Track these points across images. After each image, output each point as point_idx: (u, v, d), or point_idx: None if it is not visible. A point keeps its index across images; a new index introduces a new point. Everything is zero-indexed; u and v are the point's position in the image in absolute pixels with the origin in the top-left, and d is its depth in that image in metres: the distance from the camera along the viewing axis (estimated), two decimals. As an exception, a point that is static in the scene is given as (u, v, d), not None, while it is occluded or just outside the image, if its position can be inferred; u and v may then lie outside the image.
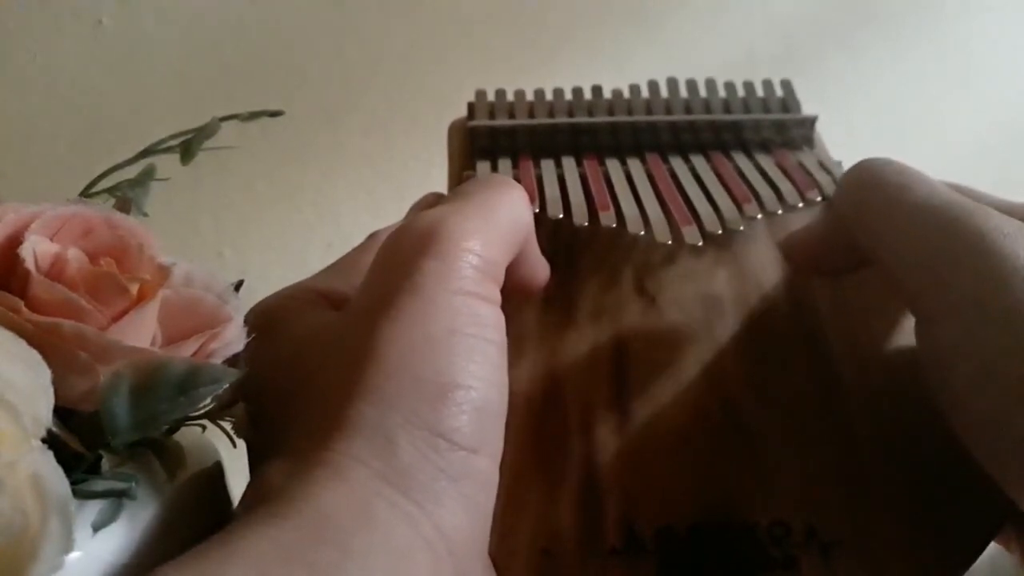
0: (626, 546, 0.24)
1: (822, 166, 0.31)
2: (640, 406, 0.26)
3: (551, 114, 0.33)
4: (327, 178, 0.63)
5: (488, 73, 0.62)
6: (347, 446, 0.19)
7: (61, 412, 0.19)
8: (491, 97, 0.34)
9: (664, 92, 0.34)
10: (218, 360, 0.22)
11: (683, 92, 0.34)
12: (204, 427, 0.24)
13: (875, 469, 0.25)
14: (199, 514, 0.23)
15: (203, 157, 0.27)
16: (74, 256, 0.22)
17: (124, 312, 0.21)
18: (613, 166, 0.31)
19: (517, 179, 0.29)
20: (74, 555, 0.18)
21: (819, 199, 0.30)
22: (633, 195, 0.29)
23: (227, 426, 0.25)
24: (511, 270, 0.24)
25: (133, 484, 0.21)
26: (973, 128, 0.71)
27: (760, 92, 0.34)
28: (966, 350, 0.21)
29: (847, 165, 0.31)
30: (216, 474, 0.25)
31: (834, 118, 0.36)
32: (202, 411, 0.23)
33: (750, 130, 0.32)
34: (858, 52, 0.68)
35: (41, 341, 0.19)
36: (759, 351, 0.27)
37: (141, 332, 0.22)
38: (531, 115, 0.33)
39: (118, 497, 0.20)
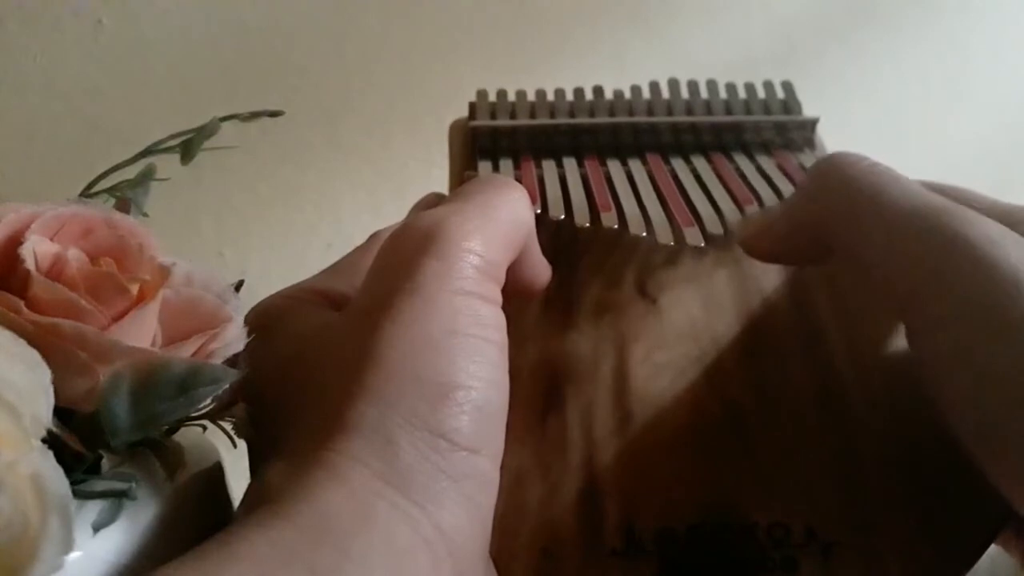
0: (626, 547, 0.24)
1: (823, 167, 0.31)
2: (641, 407, 0.26)
3: (552, 114, 0.33)
4: (327, 178, 0.63)
5: (488, 73, 0.62)
6: (347, 446, 0.19)
7: (61, 412, 0.19)
8: (492, 97, 0.34)
9: (665, 93, 0.34)
10: (218, 360, 0.22)
11: (684, 93, 0.34)
12: (205, 427, 0.24)
13: (875, 470, 0.25)
14: (199, 514, 0.23)
15: (203, 157, 0.27)
16: (74, 256, 0.22)
17: (124, 312, 0.21)
18: (615, 167, 0.31)
19: (519, 179, 0.29)
20: (74, 555, 0.18)
21: (820, 200, 0.30)
22: (635, 196, 0.29)
23: (227, 426, 0.24)
24: (512, 270, 0.24)
25: (133, 484, 0.21)
26: (973, 128, 0.71)
27: (761, 93, 0.34)
28: (961, 360, 0.21)
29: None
30: (216, 474, 0.25)
31: (834, 118, 0.35)
32: (202, 411, 0.23)
33: (751, 131, 0.32)
34: (858, 52, 0.68)
35: (41, 341, 0.19)
36: (759, 352, 0.27)
37: (141, 332, 0.22)
38: (532, 115, 0.33)
39: (118, 497, 0.20)
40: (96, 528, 0.20)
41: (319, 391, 0.21)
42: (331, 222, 0.63)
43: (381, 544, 0.18)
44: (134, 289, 0.22)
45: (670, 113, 0.33)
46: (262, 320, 0.25)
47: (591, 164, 0.31)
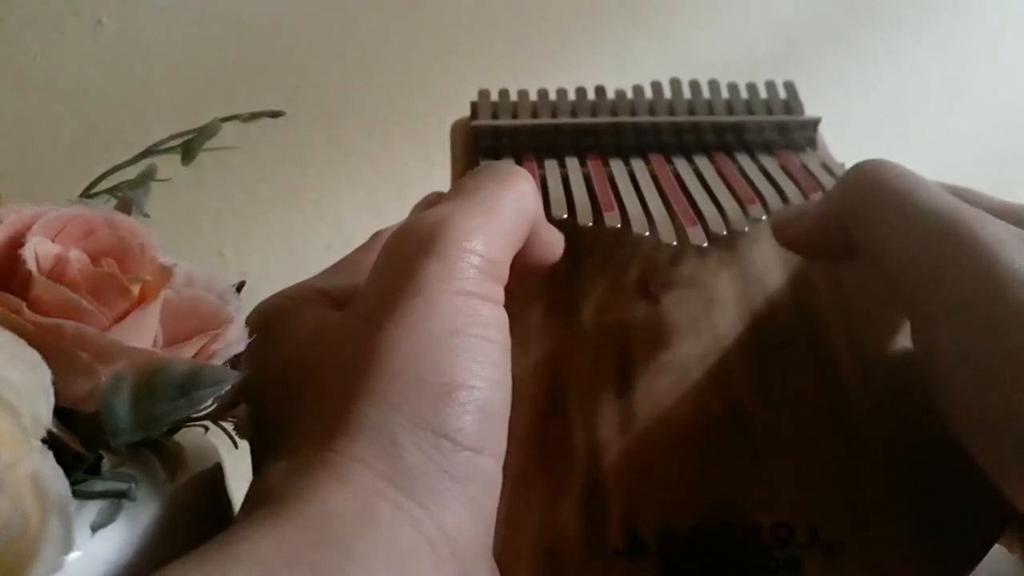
0: (629, 547, 0.24)
1: (825, 167, 0.31)
2: (644, 407, 0.26)
3: (554, 114, 0.33)
4: (327, 178, 0.63)
5: (489, 73, 0.62)
6: (350, 447, 0.19)
7: (62, 412, 0.19)
8: (494, 97, 0.34)
9: (667, 93, 0.34)
10: (219, 361, 0.22)
11: (686, 93, 0.34)
12: (206, 428, 0.24)
13: (878, 471, 0.25)
14: (199, 515, 0.23)
15: (204, 157, 0.27)
16: (75, 257, 0.22)
17: (125, 313, 0.21)
18: (617, 167, 0.31)
19: None
20: (74, 555, 0.18)
21: (823, 200, 0.30)
22: (637, 196, 0.29)
23: (229, 427, 0.24)
24: (523, 253, 0.24)
25: (133, 485, 0.21)
26: (973, 128, 0.71)
27: (763, 93, 0.34)
28: (963, 356, 0.21)
29: (849, 166, 0.31)
30: (216, 475, 0.25)
31: (834, 118, 0.35)
32: (203, 412, 0.23)
33: (753, 131, 0.32)
34: (858, 52, 0.68)
35: (42, 342, 0.19)
36: (762, 353, 0.27)
37: (142, 333, 0.22)
38: (534, 115, 0.33)
39: (118, 498, 0.20)
40: (95, 528, 0.20)
41: (321, 392, 0.21)
42: (331, 222, 0.63)
43: (384, 545, 0.18)
44: (135, 290, 0.22)
45: (672, 113, 0.33)
46: (264, 320, 0.25)
47: (594, 164, 0.31)
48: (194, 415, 0.23)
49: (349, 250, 0.30)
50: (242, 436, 0.24)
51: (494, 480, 0.21)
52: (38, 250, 0.21)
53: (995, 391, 0.21)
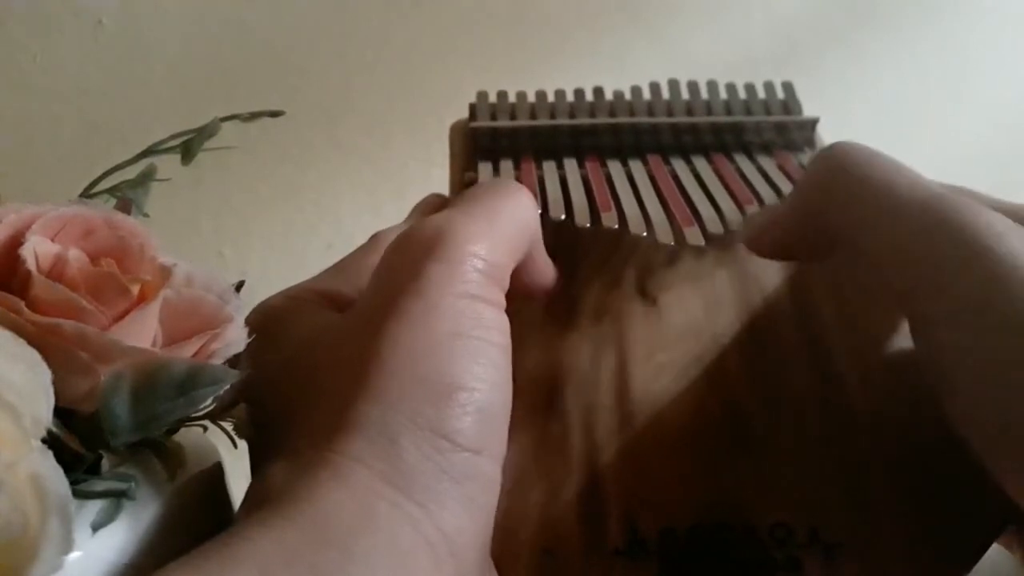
0: (628, 547, 0.24)
1: (823, 167, 0.31)
2: (642, 407, 0.26)
3: (553, 115, 0.33)
4: (327, 178, 0.63)
5: (488, 73, 0.62)
6: (349, 447, 0.19)
7: (61, 412, 0.19)
8: (493, 98, 0.34)
9: (665, 93, 0.34)
10: (219, 361, 0.22)
11: (684, 94, 0.34)
12: (205, 428, 0.24)
13: (877, 471, 0.25)
14: (199, 515, 0.23)
15: (204, 157, 0.27)
16: (75, 256, 0.22)
17: (125, 312, 0.21)
18: (615, 167, 0.31)
19: (519, 180, 0.29)
20: (74, 555, 0.18)
21: (820, 200, 0.30)
22: (635, 196, 0.29)
23: (228, 427, 0.24)
24: (517, 273, 0.24)
25: (133, 484, 0.21)
26: (973, 128, 0.71)
27: (761, 94, 0.34)
28: (965, 353, 0.21)
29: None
30: (216, 475, 0.25)
31: (834, 118, 0.35)
32: (203, 412, 0.23)
33: (751, 132, 0.32)
34: (858, 52, 0.68)
35: (42, 341, 0.19)
36: (761, 352, 0.27)
37: (142, 332, 0.22)
38: (533, 116, 0.33)
39: (118, 497, 0.20)
40: (95, 528, 0.20)
41: (320, 392, 0.21)
42: (331, 222, 0.63)
43: (383, 545, 0.18)
44: (135, 289, 0.22)
45: (670, 114, 0.33)
46: (263, 321, 0.25)
47: (591, 165, 0.31)
48: (194, 415, 0.23)
49: (349, 250, 0.30)
50: (241, 436, 0.24)
51: (493, 481, 0.21)
52: (38, 250, 0.21)
53: (998, 389, 0.20)
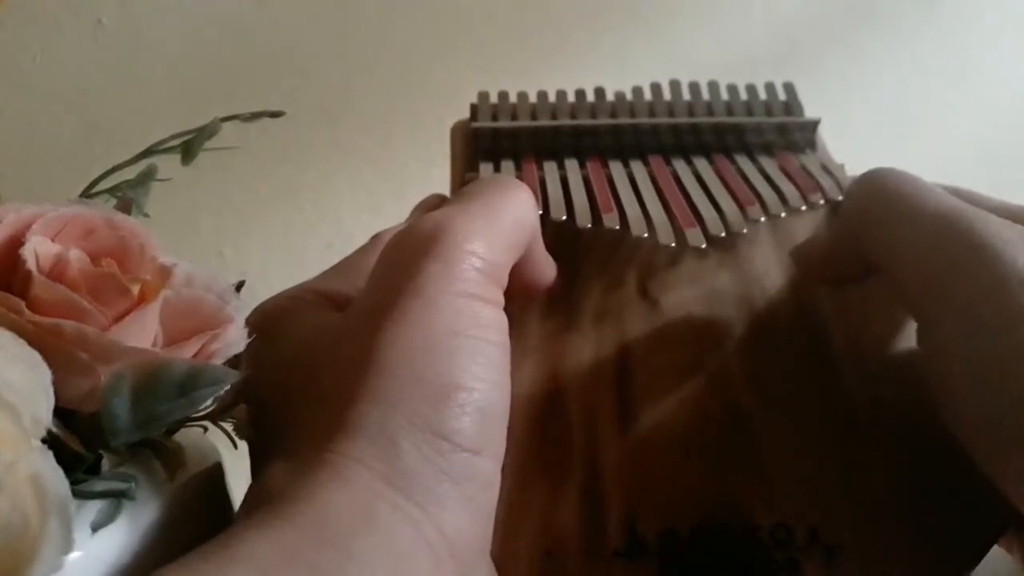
0: (628, 548, 0.24)
1: (825, 169, 0.31)
2: (643, 408, 0.26)
3: (554, 116, 0.33)
4: (327, 178, 0.63)
5: (489, 73, 0.62)
6: (349, 448, 0.19)
7: (61, 412, 0.19)
8: (494, 99, 0.34)
9: (667, 94, 0.34)
10: (219, 361, 0.22)
11: (686, 94, 0.34)
12: (205, 428, 0.24)
13: (878, 472, 0.25)
14: (199, 515, 0.23)
15: (204, 157, 0.27)
16: (75, 257, 0.22)
17: (125, 313, 0.21)
18: (616, 168, 0.31)
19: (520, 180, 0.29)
20: (74, 555, 0.18)
21: (822, 202, 0.30)
22: (636, 197, 0.29)
23: (228, 427, 0.24)
24: (517, 271, 0.24)
25: (132, 485, 0.21)
26: (973, 128, 0.71)
27: (763, 95, 0.34)
28: (966, 354, 0.22)
29: (848, 166, 0.31)
30: (216, 475, 0.25)
31: (834, 119, 0.35)
32: (203, 412, 0.23)
33: (753, 133, 0.32)
34: (858, 52, 0.68)
35: (42, 342, 0.19)
36: (762, 354, 0.27)
37: (142, 333, 0.22)
38: (534, 117, 0.33)
39: (118, 497, 0.20)
40: (95, 528, 0.20)
41: (320, 392, 0.21)
42: (331, 222, 0.63)
43: (383, 546, 0.18)
44: (135, 289, 0.22)
45: (672, 114, 0.33)
46: (264, 321, 0.25)
47: (593, 165, 0.31)
48: (194, 415, 0.23)
49: (349, 250, 0.30)
50: (241, 436, 0.24)
51: (493, 481, 0.21)
52: (38, 250, 0.21)
53: (998, 389, 0.21)
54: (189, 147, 0.27)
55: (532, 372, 0.27)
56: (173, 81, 0.59)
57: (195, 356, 0.22)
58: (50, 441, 0.18)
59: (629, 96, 0.34)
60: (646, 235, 0.28)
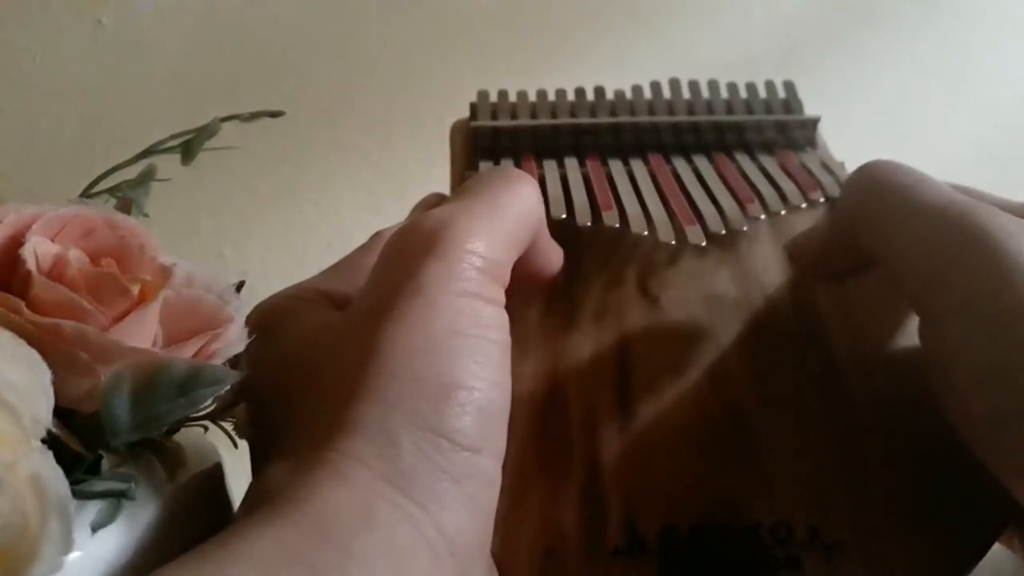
0: (629, 546, 0.24)
1: (825, 166, 0.31)
2: (643, 406, 0.26)
3: (554, 115, 0.33)
4: (327, 178, 0.63)
5: (489, 73, 0.62)
6: (349, 446, 0.19)
7: (61, 412, 0.19)
8: (493, 98, 0.34)
9: (667, 92, 0.34)
10: (219, 361, 0.22)
11: (685, 93, 0.34)
12: (206, 428, 0.24)
13: (878, 470, 0.25)
14: (199, 515, 0.23)
15: (204, 157, 0.27)
16: (75, 257, 0.22)
17: (125, 313, 0.21)
18: (616, 166, 0.31)
19: None
20: (74, 555, 0.18)
21: (822, 199, 0.30)
22: (636, 195, 0.29)
23: (228, 427, 0.24)
24: (523, 261, 0.24)
25: (132, 485, 0.21)
26: (973, 128, 0.71)
27: (763, 93, 0.34)
28: (970, 349, 0.21)
29: (848, 165, 0.31)
30: (216, 475, 0.25)
31: (834, 118, 0.35)
32: (203, 412, 0.23)
33: (753, 131, 0.32)
34: (858, 52, 0.68)
35: (42, 342, 0.19)
36: (762, 352, 0.27)
37: (142, 333, 0.22)
38: (534, 115, 0.33)
39: (117, 497, 0.20)
40: (95, 528, 0.20)
41: (320, 391, 0.21)
42: (331, 222, 0.63)
43: (383, 544, 0.18)
44: (135, 289, 0.22)
45: (671, 113, 0.33)
46: (264, 320, 0.25)
47: (592, 164, 0.31)
48: (194, 415, 0.23)
49: (349, 250, 0.30)
50: (241, 436, 0.24)
51: (493, 480, 0.21)
52: (38, 250, 0.21)
53: (1002, 385, 0.20)
54: (189, 147, 0.27)
55: (532, 370, 0.27)
56: (173, 81, 0.59)
57: (195, 356, 0.22)
58: (50, 441, 0.18)
59: (629, 95, 0.34)
60: (646, 233, 0.28)
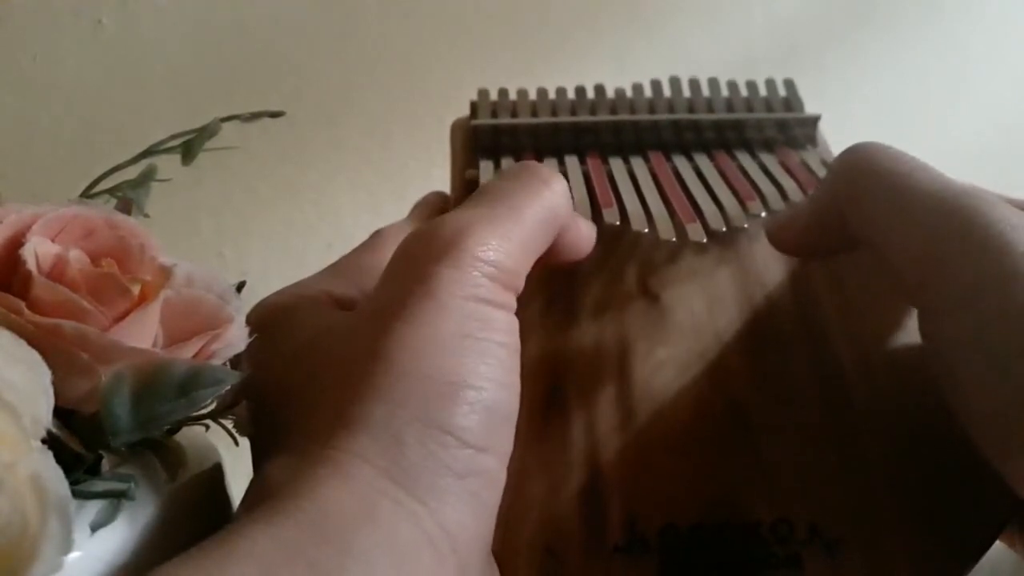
0: (629, 544, 0.24)
1: (825, 164, 0.31)
2: (643, 404, 0.26)
3: (554, 113, 0.33)
4: (327, 178, 0.63)
5: (489, 72, 0.62)
6: (351, 444, 0.19)
7: (61, 412, 0.19)
8: (494, 96, 0.34)
9: (667, 91, 0.34)
10: (220, 361, 0.22)
11: (686, 91, 0.34)
12: (207, 427, 0.24)
13: (879, 467, 0.25)
14: (199, 515, 0.23)
15: (204, 157, 0.27)
16: (75, 257, 0.22)
17: (125, 313, 0.21)
18: (616, 165, 0.31)
19: None
20: (74, 555, 0.18)
21: (822, 198, 0.30)
22: (637, 193, 0.29)
23: (229, 425, 0.24)
24: (550, 252, 0.24)
25: (132, 485, 0.21)
26: (973, 128, 0.71)
27: (763, 91, 0.34)
28: (973, 345, 0.21)
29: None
30: (216, 475, 0.25)
31: (834, 118, 0.35)
32: (204, 411, 0.23)
33: (753, 129, 0.32)
34: (858, 52, 0.68)
35: (42, 342, 0.19)
36: (762, 349, 0.27)
37: (142, 333, 0.22)
38: (534, 114, 0.33)
39: (117, 498, 0.20)
40: (95, 528, 0.20)
41: (323, 390, 0.21)
42: (331, 222, 0.63)
43: (384, 541, 0.18)
44: (135, 290, 0.22)
45: (672, 111, 0.33)
46: (264, 318, 0.25)
47: (593, 162, 0.31)
48: (194, 414, 0.23)
49: (349, 250, 0.30)
50: (242, 433, 0.24)
51: (497, 479, 0.21)
52: (38, 250, 0.21)
53: (1005, 381, 0.20)
54: (189, 147, 0.27)
55: (533, 366, 0.27)
56: (173, 81, 0.59)
57: (195, 356, 0.22)
58: (50, 441, 0.18)
59: (629, 93, 0.34)
60: (646, 230, 0.28)
